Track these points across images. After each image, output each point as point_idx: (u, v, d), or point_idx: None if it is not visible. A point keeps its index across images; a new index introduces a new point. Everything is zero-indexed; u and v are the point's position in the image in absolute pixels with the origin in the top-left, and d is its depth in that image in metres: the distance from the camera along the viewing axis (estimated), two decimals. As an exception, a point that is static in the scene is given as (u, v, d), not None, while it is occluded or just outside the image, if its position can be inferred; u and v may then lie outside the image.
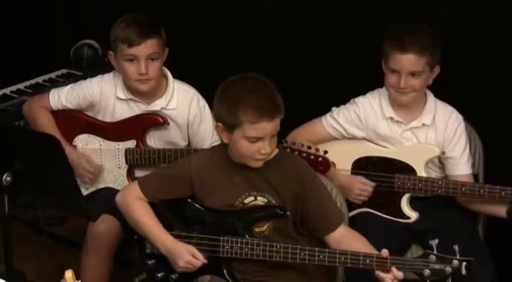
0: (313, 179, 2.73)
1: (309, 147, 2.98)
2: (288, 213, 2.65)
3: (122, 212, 2.79)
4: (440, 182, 3.02)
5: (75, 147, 3.22)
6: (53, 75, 3.99)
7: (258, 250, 2.63)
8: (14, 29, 4.45)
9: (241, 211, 2.69)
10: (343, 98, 3.21)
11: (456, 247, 2.47)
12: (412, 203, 3.10)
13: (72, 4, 4.39)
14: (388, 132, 3.10)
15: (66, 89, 3.24)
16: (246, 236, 2.66)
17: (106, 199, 3.04)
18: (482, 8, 3.21)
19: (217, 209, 2.70)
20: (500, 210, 2.99)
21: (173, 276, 2.73)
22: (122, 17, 3.11)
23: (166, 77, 3.19)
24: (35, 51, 4.37)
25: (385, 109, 3.09)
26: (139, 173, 3.16)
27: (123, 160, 3.19)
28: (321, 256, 2.58)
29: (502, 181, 2.98)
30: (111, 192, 3.05)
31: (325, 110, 3.21)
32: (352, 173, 3.14)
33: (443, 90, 3.12)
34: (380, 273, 2.51)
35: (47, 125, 3.20)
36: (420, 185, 3.04)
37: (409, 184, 3.05)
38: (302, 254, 2.59)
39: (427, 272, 2.48)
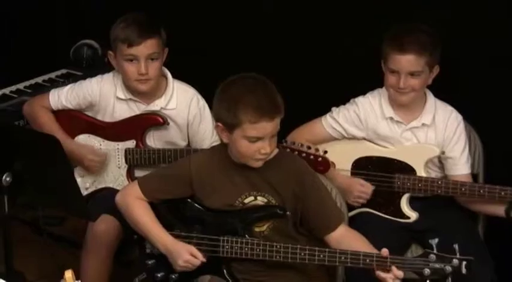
0: (313, 179, 2.73)
1: (309, 147, 2.98)
2: (287, 213, 2.65)
3: (122, 212, 2.79)
4: (440, 182, 3.02)
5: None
6: (52, 75, 3.99)
7: (258, 250, 2.63)
8: (14, 29, 4.44)
9: (241, 211, 2.69)
10: (343, 98, 3.21)
11: (456, 246, 2.47)
12: (412, 203, 3.10)
13: (72, 4, 4.39)
14: (388, 132, 3.10)
15: (66, 89, 3.24)
16: (246, 235, 2.66)
17: (106, 199, 3.04)
18: (482, 8, 3.21)
19: (217, 209, 2.70)
20: (500, 210, 2.99)
21: (173, 276, 2.73)
22: (121, 17, 3.11)
23: (166, 77, 3.19)
24: (34, 51, 4.37)
25: (385, 109, 3.09)
26: (139, 173, 3.16)
27: (123, 160, 3.19)
28: (321, 256, 2.58)
29: (501, 181, 2.98)
30: (111, 192, 3.04)
31: (325, 110, 3.21)
32: (352, 173, 3.14)
33: (443, 90, 3.12)
34: (381, 273, 2.51)
35: (48, 123, 3.20)
36: (420, 185, 3.04)
37: (408, 184, 3.05)
38: (302, 254, 2.59)
39: (427, 271, 2.48)
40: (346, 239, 2.65)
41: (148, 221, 2.72)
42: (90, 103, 3.20)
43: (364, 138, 3.14)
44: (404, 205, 3.09)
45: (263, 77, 2.64)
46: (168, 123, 3.16)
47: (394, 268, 2.50)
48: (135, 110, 3.17)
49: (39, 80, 3.93)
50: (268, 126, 2.57)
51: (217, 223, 2.69)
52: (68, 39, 4.18)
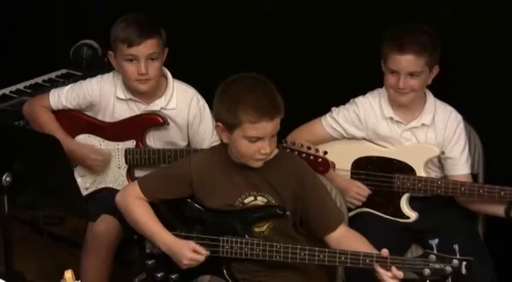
0: (313, 179, 2.73)
1: (309, 148, 2.98)
2: (287, 213, 2.65)
3: (122, 212, 2.79)
4: (439, 182, 3.02)
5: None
6: (52, 75, 3.99)
7: (257, 250, 2.63)
8: (14, 29, 4.45)
9: (241, 211, 2.69)
10: (343, 98, 3.21)
11: (456, 247, 2.47)
12: (412, 203, 3.10)
13: (72, 4, 4.39)
14: (388, 132, 3.10)
15: (66, 89, 3.24)
16: (246, 236, 2.66)
17: (106, 199, 3.04)
18: (482, 8, 3.21)
19: (217, 209, 2.70)
20: (500, 210, 2.99)
21: (173, 277, 2.73)
22: (121, 17, 3.11)
23: (166, 77, 3.19)
24: (34, 51, 4.37)
25: (385, 109, 3.09)
26: (139, 173, 3.16)
27: (123, 160, 3.19)
28: (321, 256, 2.58)
29: (501, 181, 2.98)
30: (111, 192, 3.04)
31: (325, 110, 3.21)
32: (352, 173, 3.14)
33: (443, 90, 3.12)
34: (379, 269, 2.50)
35: (49, 123, 3.20)
36: (419, 185, 3.04)
37: (408, 184, 3.05)
38: (302, 254, 2.59)
39: (427, 271, 2.48)
40: (346, 239, 2.65)
41: (149, 220, 2.72)
42: (90, 103, 3.20)
43: (364, 138, 3.14)
44: (404, 205, 3.09)
45: (263, 77, 2.64)
46: (168, 123, 3.16)
47: (394, 268, 2.50)
48: (135, 110, 3.17)
49: (39, 80, 3.93)
50: (268, 126, 2.57)
51: (217, 223, 2.69)
52: (68, 39, 4.18)
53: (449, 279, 2.47)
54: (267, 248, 2.62)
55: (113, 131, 3.19)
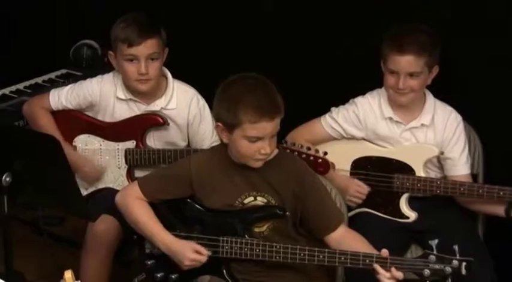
0: (313, 179, 2.73)
1: (309, 148, 2.98)
2: (287, 213, 2.65)
3: (122, 212, 2.79)
4: (439, 182, 3.02)
5: (75, 147, 3.22)
6: (52, 75, 3.99)
7: (257, 250, 2.63)
8: (14, 29, 4.44)
9: (241, 211, 2.69)
10: (343, 98, 3.21)
11: (456, 247, 2.47)
12: (412, 203, 3.10)
13: (72, 4, 4.39)
14: (387, 133, 3.10)
15: (66, 89, 3.24)
16: (246, 236, 2.66)
17: (106, 199, 3.04)
18: (482, 8, 3.20)
19: (216, 209, 2.70)
20: (500, 210, 2.99)
21: (172, 277, 2.73)
22: (122, 17, 3.11)
23: (166, 77, 3.19)
24: (34, 51, 4.37)
25: (384, 109, 3.09)
26: (139, 173, 3.16)
27: (123, 160, 3.19)
28: (321, 256, 2.58)
29: (501, 181, 2.98)
30: (111, 192, 3.04)
31: (325, 110, 3.21)
32: (351, 173, 3.14)
33: (442, 90, 3.12)
34: (378, 268, 2.50)
35: (47, 125, 3.20)
36: (419, 185, 3.03)
37: (408, 184, 3.05)
38: (302, 254, 2.59)
39: (427, 272, 2.48)
40: (346, 239, 2.65)
41: (149, 220, 2.72)
42: (90, 103, 3.20)
43: (364, 139, 3.14)
44: (404, 205, 3.09)
45: (263, 77, 2.64)
46: (168, 124, 3.16)
47: (393, 269, 2.50)
48: (135, 110, 3.17)
49: (39, 80, 3.93)
50: (268, 126, 2.57)
51: (217, 223, 2.69)
52: (68, 39, 4.18)
53: (449, 280, 2.47)
54: (267, 248, 2.62)
55: (113, 131, 3.19)
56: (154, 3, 3.89)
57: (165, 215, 2.74)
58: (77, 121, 3.23)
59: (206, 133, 3.19)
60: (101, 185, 3.23)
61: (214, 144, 3.03)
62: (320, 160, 2.97)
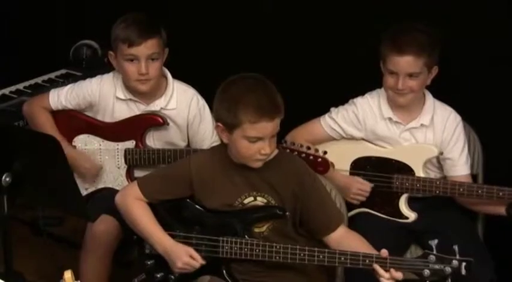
0: (312, 179, 2.72)
1: (309, 148, 2.98)
2: (287, 213, 2.65)
3: (121, 212, 2.79)
4: (438, 182, 3.02)
5: (74, 147, 3.22)
6: (52, 75, 3.99)
7: (257, 250, 2.63)
8: (14, 29, 4.44)
9: (241, 211, 2.69)
10: (343, 98, 3.21)
11: (456, 247, 2.47)
12: (411, 203, 3.10)
13: (72, 4, 4.39)
14: (387, 133, 3.09)
15: (66, 89, 3.24)
16: (246, 236, 2.65)
17: (105, 199, 3.04)
18: (482, 8, 3.20)
19: (216, 210, 2.70)
20: (500, 209, 2.99)
21: (172, 277, 2.73)
22: (122, 17, 3.11)
23: (166, 77, 3.19)
24: (34, 51, 4.37)
25: (384, 110, 3.09)
26: (138, 174, 3.16)
27: (123, 160, 3.19)
28: (321, 256, 2.58)
29: (501, 181, 2.98)
30: (111, 192, 3.04)
31: (325, 110, 3.21)
32: (351, 173, 3.14)
33: (442, 91, 3.12)
34: (378, 268, 2.50)
35: (47, 125, 3.20)
36: (418, 185, 3.03)
37: (407, 184, 3.05)
38: (301, 254, 2.59)
39: (426, 272, 2.48)
40: (345, 239, 2.65)
41: (148, 222, 2.71)
42: (90, 103, 3.20)
43: (363, 139, 3.14)
44: (403, 205, 3.09)
45: (263, 77, 2.64)
46: (168, 124, 3.16)
47: (392, 270, 2.49)
48: (135, 110, 3.17)
49: (39, 80, 3.93)
50: (268, 126, 2.57)
51: (216, 224, 2.68)
52: (68, 39, 4.17)
53: (449, 280, 2.47)
54: (267, 249, 2.62)
55: (113, 131, 3.19)
56: (154, 3, 3.89)
57: (164, 216, 2.74)
58: (76, 121, 3.23)
59: (206, 133, 3.19)
60: (100, 185, 3.23)
61: (214, 144, 3.03)
62: (320, 159, 2.97)
